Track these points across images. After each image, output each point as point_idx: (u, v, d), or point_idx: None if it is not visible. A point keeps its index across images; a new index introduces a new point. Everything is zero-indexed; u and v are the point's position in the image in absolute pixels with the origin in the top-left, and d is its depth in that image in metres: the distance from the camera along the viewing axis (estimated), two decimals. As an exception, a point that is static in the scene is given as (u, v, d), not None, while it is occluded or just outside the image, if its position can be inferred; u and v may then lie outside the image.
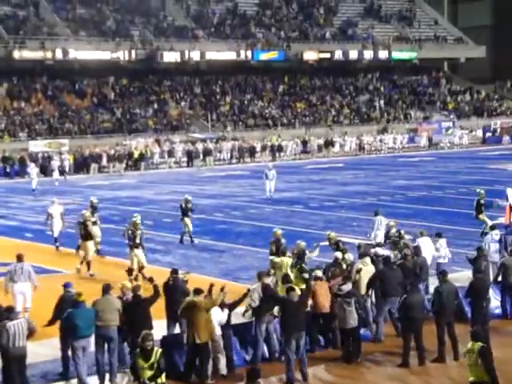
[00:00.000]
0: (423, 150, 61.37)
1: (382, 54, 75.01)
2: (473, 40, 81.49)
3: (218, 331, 14.09)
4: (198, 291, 13.99)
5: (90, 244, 21.94)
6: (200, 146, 54.73)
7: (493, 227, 20.05)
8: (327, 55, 72.34)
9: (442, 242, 18.76)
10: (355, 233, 23.98)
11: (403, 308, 14.62)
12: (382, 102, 72.21)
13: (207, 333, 13.69)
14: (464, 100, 76.71)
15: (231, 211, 32.20)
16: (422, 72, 79.48)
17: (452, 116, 70.96)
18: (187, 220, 25.22)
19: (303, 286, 15.29)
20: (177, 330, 15.14)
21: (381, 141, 62.10)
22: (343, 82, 74.62)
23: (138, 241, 20.64)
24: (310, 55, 71.76)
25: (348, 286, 15.00)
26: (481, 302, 14.94)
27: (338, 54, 72.52)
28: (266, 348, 14.78)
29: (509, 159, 51.35)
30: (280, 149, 57.59)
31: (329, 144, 59.00)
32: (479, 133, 67.67)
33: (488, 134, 67.16)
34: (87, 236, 21.99)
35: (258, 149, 56.80)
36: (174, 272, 16.04)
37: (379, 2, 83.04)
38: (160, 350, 11.75)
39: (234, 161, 55.70)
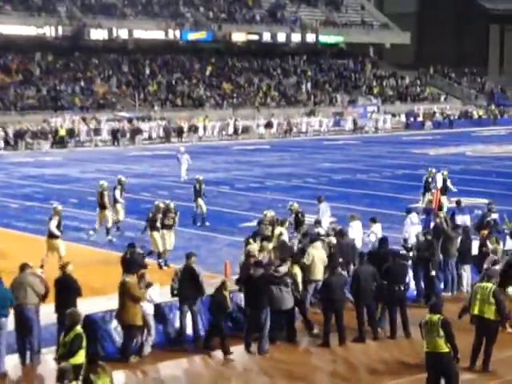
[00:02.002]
0: (348, 134, 62.23)
1: (310, 38, 75.55)
2: (398, 26, 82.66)
3: (151, 310, 14.29)
4: (128, 270, 14.20)
5: (107, 213, 23.03)
6: (127, 125, 54.49)
7: (409, 210, 20.66)
8: (255, 37, 72.54)
9: (377, 226, 19.21)
10: (279, 214, 24.30)
11: (324, 289, 15.02)
12: (309, 85, 72.79)
13: (133, 315, 13.80)
14: (388, 85, 77.88)
15: (158, 191, 32.26)
16: (349, 56, 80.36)
17: (376, 100, 72.00)
18: (201, 201, 25.21)
19: None
20: None
21: (307, 123, 62.74)
22: (271, 65, 74.95)
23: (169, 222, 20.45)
24: (239, 37, 71.84)
25: (285, 268, 15.25)
26: (395, 285, 15.19)
27: (266, 37, 72.79)
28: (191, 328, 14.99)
29: (431, 144, 52.57)
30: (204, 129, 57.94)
31: (267, 125, 59.29)
32: (403, 118, 68.88)
33: (411, 119, 68.46)
34: (103, 205, 23.05)
35: (186, 129, 56.81)
36: (132, 246, 16.25)
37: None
38: (78, 329, 11.56)
39: (161, 140, 55.60)
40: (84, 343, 11.46)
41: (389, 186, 33.56)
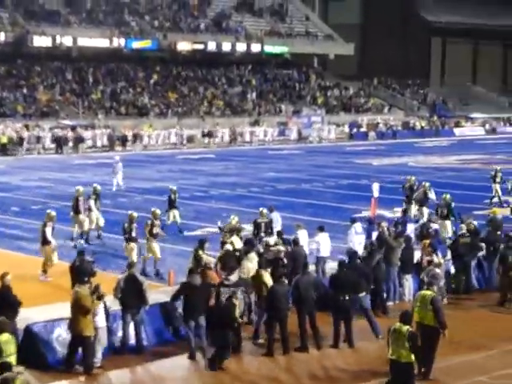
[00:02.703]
0: (293, 144, 62.54)
1: (255, 48, 75.80)
2: (342, 37, 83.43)
3: (103, 323, 14.16)
4: (81, 281, 14.08)
5: (81, 217, 23.12)
6: (70, 133, 54.02)
7: (354, 220, 20.86)
8: (201, 46, 72.53)
9: (323, 236, 19.32)
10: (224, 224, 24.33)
11: (268, 298, 15.06)
12: (253, 94, 73.01)
13: (84, 326, 13.68)
14: (333, 95, 78.50)
15: (102, 199, 31.95)
16: (293, 67, 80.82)
17: (321, 111, 72.48)
18: (175, 211, 25.09)
19: None
20: None
21: (252, 133, 62.92)
22: (216, 74, 74.99)
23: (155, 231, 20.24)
24: (184, 46, 71.77)
25: (235, 276, 15.26)
26: (341, 294, 15.25)
27: (212, 46, 72.81)
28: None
29: (374, 155, 53.12)
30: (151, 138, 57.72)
31: (207, 135, 59.31)
32: (346, 128, 69.47)
33: (355, 130, 69.10)
34: (78, 210, 23.36)
35: (130, 137, 56.54)
36: (81, 253, 16.13)
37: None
38: (6, 338, 11.58)
39: (105, 149, 55.20)
40: (11, 350, 11.48)
41: (333, 195, 33.82)
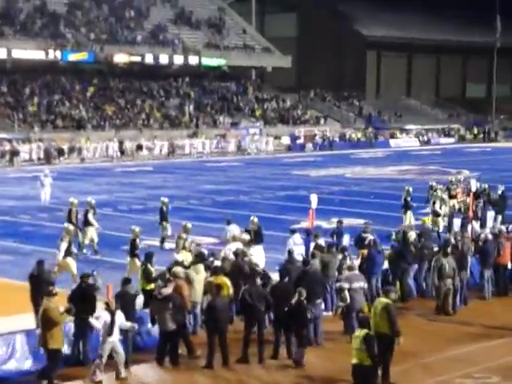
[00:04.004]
0: (231, 156, 62.69)
1: (193, 60, 75.83)
2: (279, 50, 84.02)
3: (116, 336, 14.11)
4: (50, 294, 14.00)
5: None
6: (6, 147, 53.32)
7: (293, 231, 21.05)
8: (138, 58, 72.29)
9: (257, 248, 19.45)
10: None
11: (208, 310, 15.06)
12: (191, 107, 73.01)
13: (53, 339, 13.64)
14: (270, 108, 78.95)
15: (38, 213, 31.68)
16: (231, 79, 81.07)
17: (259, 123, 72.84)
18: (166, 223, 25.02)
19: None
20: None
21: (190, 145, 62.92)
22: (154, 86, 74.79)
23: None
24: (121, 58, 71.42)
25: (168, 290, 15.23)
26: (281, 305, 15.30)
27: (149, 58, 72.61)
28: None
29: (312, 166, 53.56)
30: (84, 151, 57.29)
31: (139, 147, 59.17)
32: (284, 140, 69.93)
33: (292, 142, 69.60)
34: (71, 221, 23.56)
35: (66, 150, 56.01)
36: (40, 263, 15.97)
37: (190, 9, 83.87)
38: None
39: (41, 162, 54.58)
40: None
41: (271, 207, 34.00)
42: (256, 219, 22.17)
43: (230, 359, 14.87)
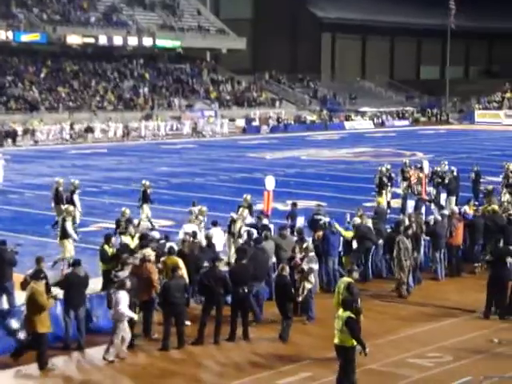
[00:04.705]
0: (186, 138, 62.49)
1: (147, 42, 75.34)
2: (234, 32, 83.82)
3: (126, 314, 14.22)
4: (38, 277, 13.91)
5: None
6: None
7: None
8: (91, 40, 71.59)
9: (216, 230, 19.44)
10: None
11: (163, 293, 15.04)
12: (146, 89, 72.60)
13: (40, 322, 13.61)
14: (225, 90, 78.82)
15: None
16: (186, 61, 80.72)
17: (214, 105, 72.72)
18: (146, 206, 24.81)
19: None
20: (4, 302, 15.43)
21: (145, 127, 62.60)
22: (108, 68, 74.17)
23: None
24: (74, 39, 70.66)
25: (124, 273, 15.20)
26: (238, 287, 15.42)
27: (103, 40, 72.00)
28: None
29: (267, 148, 53.62)
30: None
31: (89, 130, 58.71)
32: (239, 122, 69.89)
33: (248, 124, 69.60)
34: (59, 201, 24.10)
35: (20, 132, 55.38)
36: (2, 243, 15.84)
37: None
38: None
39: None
40: None
41: (226, 189, 34.01)
42: (249, 196, 22.19)
43: (186, 341, 14.93)
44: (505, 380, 13.07)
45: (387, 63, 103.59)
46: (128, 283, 14.47)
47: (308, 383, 13.27)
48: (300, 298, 15.85)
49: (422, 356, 14.31)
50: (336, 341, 12.68)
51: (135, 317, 14.54)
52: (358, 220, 19.98)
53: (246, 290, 15.42)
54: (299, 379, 13.37)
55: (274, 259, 18.06)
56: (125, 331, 14.31)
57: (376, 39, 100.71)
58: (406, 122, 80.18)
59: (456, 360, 14.15)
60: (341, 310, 12.75)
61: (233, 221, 20.70)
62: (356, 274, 14.86)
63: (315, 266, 16.83)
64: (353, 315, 12.62)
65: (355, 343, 12.51)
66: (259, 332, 15.65)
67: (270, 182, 23.36)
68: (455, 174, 29.44)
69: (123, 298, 14.25)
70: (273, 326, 15.78)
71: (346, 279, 14.63)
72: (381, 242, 19.89)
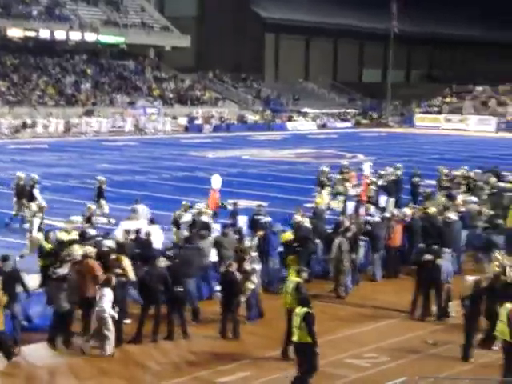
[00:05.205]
0: (128, 135, 62.10)
1: (90, 37, 74.66)
2: (178, 29, 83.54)
3: (110, 312, 14.17)
4: None
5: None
6: None
7: (190, 207, 21.31)
8: (33, 34, 70.66)
9: (154, 228, 19.41)
10: (57, 215, 24.03)
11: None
12: (88, 84, 71.92)
13: None
14: (169, 88, 78.51)
15: None
16: (129, 57, 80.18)
17: (157, 102, 72.41)
18: (103, 201, 24.69)
19: None
20: None
21: (86, 124, 62.04)
22: (49, 62, 73.28)
23: None
24: (15, 32, 69.67)
25: (64, 270, 15.07)
26: (175, 285, 15.50)
27: (44, 34, 71.12)
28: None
29: (209, 147, 53.60)
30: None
31: (28, 125, 58.03)
32: (182, 120, 69.71)
33: (190, 123, 69.45)
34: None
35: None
36: None
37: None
38: None
39: None
40: None
41: (168, 187, 33.92)
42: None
43: (125, 340, 14.89)
44: (439, 380, 13.30)
45: (330, 65, 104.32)
46: (114, 280, 14.50)
47: (246, 382, 13.33)
48: (243, 298, 15.91)
49: (359, 356, 14.50)
50: (295, 338, 12.80)
51: (116, 316, 14.45)
52: (298, 220, 20.12)
53: (183, 289, 15.47)
54: (238, 378, 13.43)
55: (214, 258, 18.14)
56: (108, 328, 14.32)
57: (320, 41, 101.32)
58: (347, 124, 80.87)
59: (392, 360, 14.37)
60: (298, 308, 12.87)
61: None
62: (305, 274, 14.97)
63: (257, 267, 16.93)
64: (311, 311, 12.75)
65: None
66: (199, 330, 15.67)
67: (216, 181, 23.39)
68: (395, 177, 29.84)
69: (107, 295, 14.26)
70: (212, 324, 15.82)
71: (295, 279, 14.73)
72: (318, 241, 20.06)
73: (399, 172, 30.97)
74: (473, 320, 14.65)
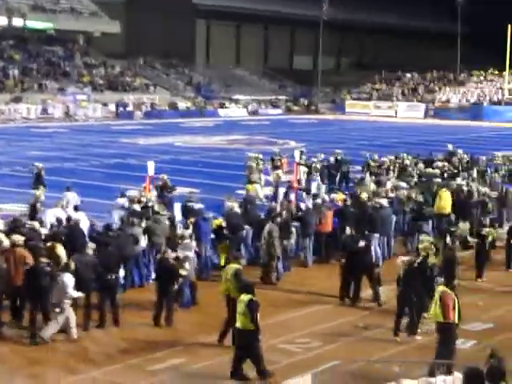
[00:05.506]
0: (58, 122, 61.25)
1: (17, 22, 73.33)
2: (108, 15, 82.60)
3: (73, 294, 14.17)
4: None
5: None
6: None
7: (123, 195, 21.20)
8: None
9: (79, 215, 19.24)
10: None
11: (27, 276, 14.85)
12: (16, 71, 70.62)
13: None
14: (99, 74, 77.61)
15: None
16: (58, 43, 79.01)
17: (87, 89, 71.52)
18: (43, 188, 23.67)
19: None
20: None
21: (15, 110, 60.98)
22: (-25, 48, 71.84)
23: None
24: None
25: None
26: (107, 273, 15.46)
27: (-31, 18, 69.66)
28: None
29: (141, 134, 53.23)
30: None
31: None
32: (112, 107, 69.04)
33: (121, 109, 68.84)
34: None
35: None
36: None
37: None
38: None
39: None
40: None
41: (99, 174, 33.61)
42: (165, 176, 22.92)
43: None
44: (371, 363, 13.49)
45: (261, 52, 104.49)
46: (72, 265, 14.41)
47: (179, 369, 13.33)
48: (176, 286, 15.88)
49: (291, 342, 14.61)
50: (238, 324, 12.85)
51: (80, 295, 14.56)
52: (229, 206, 20.17)
53: (114, 276, 15.41)
54: (170, 365, 13.42)
55: (143, 244, 18.09)
56: (70, 312, 14.30)
57: (251, 27, 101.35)
58: (279, 111, 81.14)
59: (324, 345, 14.51)
60: (243, 294, 12.92)
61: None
62: (243, 261, 15.09)
63: (190, 254, 16.91)
64: (255, 298, 12.82)
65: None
66: (131, 318, 15.60)
67: (150, 167, 23.20)
68: (326, 162, 30.14)
69: (68, 279, 14.21)
70: (145, 312, 15.77)
71: (234, 266, 14.79)
72: (248, 227, 20.14)
73: (332, 158, 31.27)
74: (406, 298, 14.88)
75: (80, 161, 38.12)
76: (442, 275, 15.48)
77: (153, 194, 21.86)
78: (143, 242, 18.13)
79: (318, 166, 30.13)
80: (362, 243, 17.40)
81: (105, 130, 56.22)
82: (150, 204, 20.28)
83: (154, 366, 13.39)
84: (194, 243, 17.37)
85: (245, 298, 12.86)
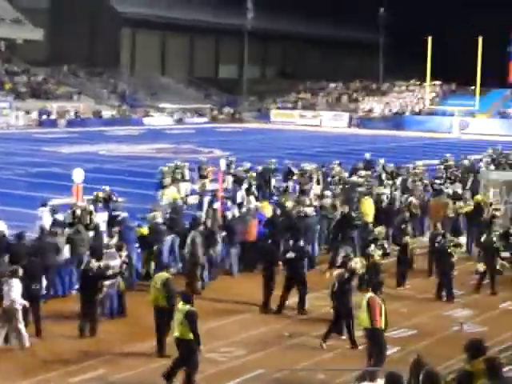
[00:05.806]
0: (-22, 130, 60.11)
1: None
2: (31, 22, 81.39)
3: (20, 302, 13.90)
4: None
5: None
6: None
7: (44, 204, 20.90)
8: None
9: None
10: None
11: None
12: None
13: None
14: (21, 81, 76.37)
15: None
16: (-21, 50, 77.58)
17: (9, 97, 70.31)
18: None
19: None
20: None
21: None
22: None
23: None
24: None
25: None
26: (32, 283, 15.26)
27: None
28: None
29: (65, 142, 52.56)
30: None
31: None
32: (35, 115, 68.02)
33: (44, 117, 67.88)
34: None
35: None
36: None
37: None
38: None
39: None
40: None
41: (22, 183, 33.09)
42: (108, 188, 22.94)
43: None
44: (296, 372, 13.57)
45: (187, 61, 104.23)
46: (20, 271, 14.22)
47: (99, 380, 13.18)
48: (100, 296, 15.72)
49: (215, 351, 14.57)
50: (176, 334, 12.81)
51: (27, 304, 14.31)
52: (153, 215, 20.09)
53: (38, 286, 15.28)
54: (93, 376, 13.27)
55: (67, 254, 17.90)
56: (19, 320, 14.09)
57: (175, 36, 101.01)
58: (204, 119, 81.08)
59: (249, 354, 14.54)
60: (181, 304, 12.93)
61: None
62: (174, 270, 15.08)
63: (112, 263, 16.75)
64: (193, 308, 12.83)
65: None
66: (54, 329, 15.36)
67: (78, 175, 22.82)
68: (254, 172, 30.30)
69: (16, 285, 14.02)
70: (68, 322, 15.57)
71: (163, 274, 14.79)
72: (174, 236, 20.08)
73: (260, 168, 31.44)
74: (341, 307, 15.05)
75: (3, 170, 37.45)
76: (368, 283, 15.69)
77: (88, 204, 21.46)
78: (66, 251, 17.92)
79: (244, 174, 30.21)
80: (291, 254, 17.49)
81: (27, 139, 55.34)
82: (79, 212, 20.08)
83: (76, 377, 13.22)
84: (124, 253, 17.17)
85: (184, 307, 12.85)
